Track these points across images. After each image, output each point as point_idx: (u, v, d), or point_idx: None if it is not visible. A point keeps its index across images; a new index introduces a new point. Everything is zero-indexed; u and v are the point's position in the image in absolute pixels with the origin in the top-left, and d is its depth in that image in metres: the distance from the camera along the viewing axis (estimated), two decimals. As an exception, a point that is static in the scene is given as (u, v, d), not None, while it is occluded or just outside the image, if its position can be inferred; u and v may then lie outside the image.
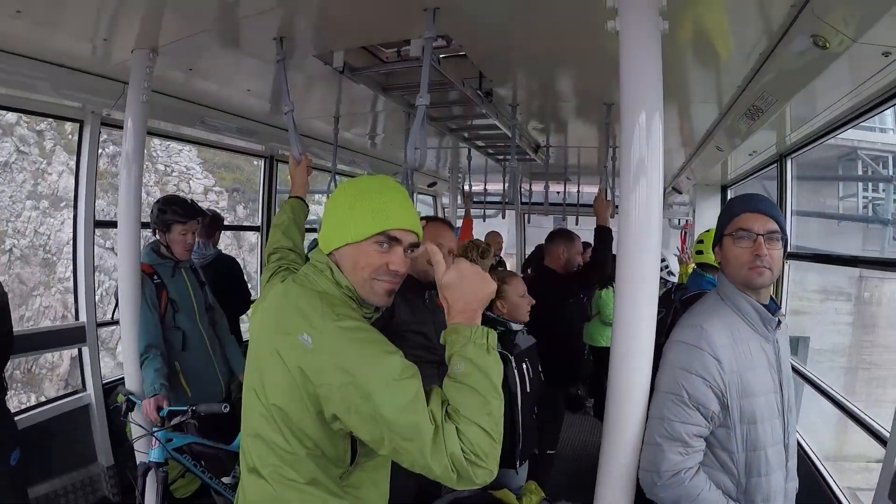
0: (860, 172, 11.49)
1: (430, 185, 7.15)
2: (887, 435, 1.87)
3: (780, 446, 1.49)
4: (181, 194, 2.92)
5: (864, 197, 11.83)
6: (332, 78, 2.67)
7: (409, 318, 1.94)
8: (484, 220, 6.34)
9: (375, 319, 1.35)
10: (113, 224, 2.74)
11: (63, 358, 13.80)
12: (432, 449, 1.06)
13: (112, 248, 12.84)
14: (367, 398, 1.08)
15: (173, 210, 2.71)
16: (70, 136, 14.92)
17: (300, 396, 1.16)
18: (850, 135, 10.42)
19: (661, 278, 4.31)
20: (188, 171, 16.73)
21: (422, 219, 1.69)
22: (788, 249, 3.48)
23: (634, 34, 1.39)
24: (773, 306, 1.53)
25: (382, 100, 2.95)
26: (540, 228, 6.59)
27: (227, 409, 2.30)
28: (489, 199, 6.70)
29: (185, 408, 2.34)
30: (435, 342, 2.01)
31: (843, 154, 11.29)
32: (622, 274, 1.43)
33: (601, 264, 3.15)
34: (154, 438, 2.34)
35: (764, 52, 2.09)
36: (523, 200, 6.77)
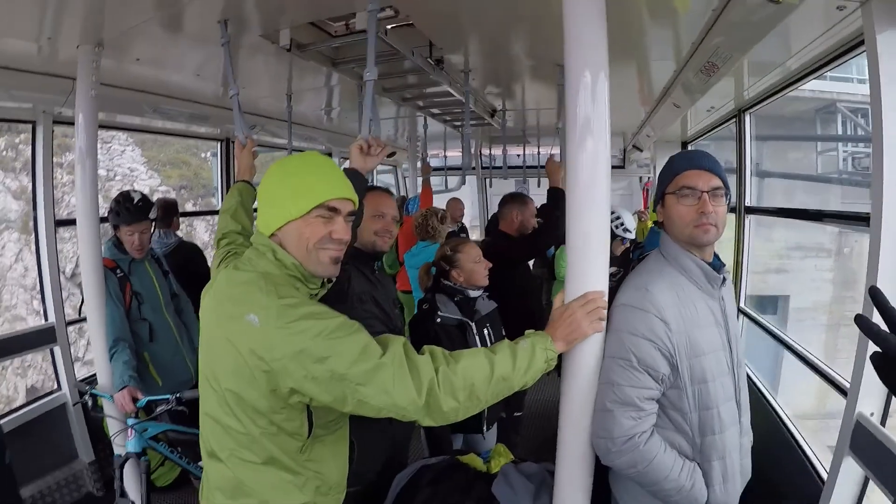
0: (840, 125, 11.30)
1: (390, 156, 7.27)
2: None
3: (731, 403, 1.47)
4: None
5: (845, 151, 11.67)
6: (282, 56, 2.60)
7: (366, 287, 1.95)
8: (446, 189, 6.25)
9: (322, 296, 1.38)
10: (73, 223, 2.71)
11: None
12: (393, 383, 1.14)
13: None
14: (321, 361, 1.13)
15: (116, 211, 2.70)
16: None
17: (251, 377, 1.18)
18: (828, 86, 10.17)
19: (617, 235, 4.22)
20: (132, 173, 15.52)
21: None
22: (749, 205, 3.47)
23: None
24: (718, 263, 1.51)
25: (335, 74, 2.90)
26: (502, 196, 6.63)
27: None
28: (451, 165, 6.63)
29: (167, 395, 2.35)
30: (388, 310, 2.03)
31: (822, 107, 11.07)
32: (572, 234, 1.41)
33: (552, 225, 3.12)
34: (130, 429, 2.34)
35: (717, 8, 2.05)
36: (484, 165, 6.66)
